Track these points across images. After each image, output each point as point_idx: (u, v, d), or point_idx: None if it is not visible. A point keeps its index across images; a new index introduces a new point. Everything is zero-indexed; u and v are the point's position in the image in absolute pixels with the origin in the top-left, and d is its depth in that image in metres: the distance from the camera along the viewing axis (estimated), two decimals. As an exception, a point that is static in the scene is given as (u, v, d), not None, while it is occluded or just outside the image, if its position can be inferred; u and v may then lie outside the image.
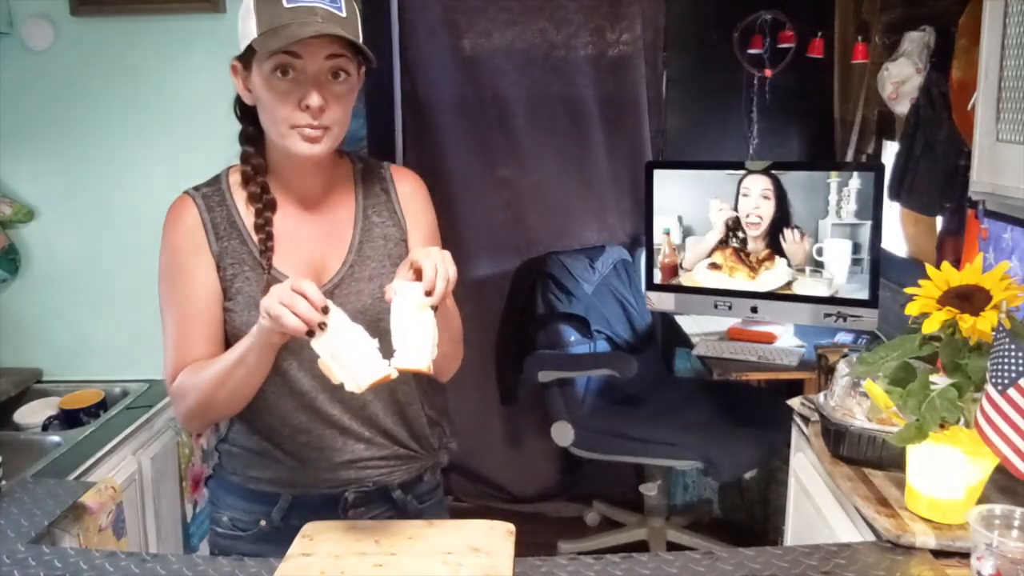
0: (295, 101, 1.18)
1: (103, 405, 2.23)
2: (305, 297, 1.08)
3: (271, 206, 1.28)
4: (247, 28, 1.20)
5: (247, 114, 1.28)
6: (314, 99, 1.17)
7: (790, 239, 2.65)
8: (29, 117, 2.28)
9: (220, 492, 1.38)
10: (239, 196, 1.29)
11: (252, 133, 1.28)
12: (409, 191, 1.37)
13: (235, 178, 1.31)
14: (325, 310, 1.09)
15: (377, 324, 1.22)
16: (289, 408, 1.29)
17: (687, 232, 2.83)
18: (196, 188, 1.31)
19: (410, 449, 1.37)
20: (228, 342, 1.27)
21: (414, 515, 1.36)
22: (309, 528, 1.22)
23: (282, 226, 1.29)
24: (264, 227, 1.26)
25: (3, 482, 1.55)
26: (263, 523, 1.33)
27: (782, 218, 2.66)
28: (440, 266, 1.13)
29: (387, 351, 1.11)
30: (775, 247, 2.69)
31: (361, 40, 1.20)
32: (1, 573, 1.14)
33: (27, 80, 2.26)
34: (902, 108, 2.27)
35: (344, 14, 1.18)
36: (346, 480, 1.32)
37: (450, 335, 1.25)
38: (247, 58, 1.22)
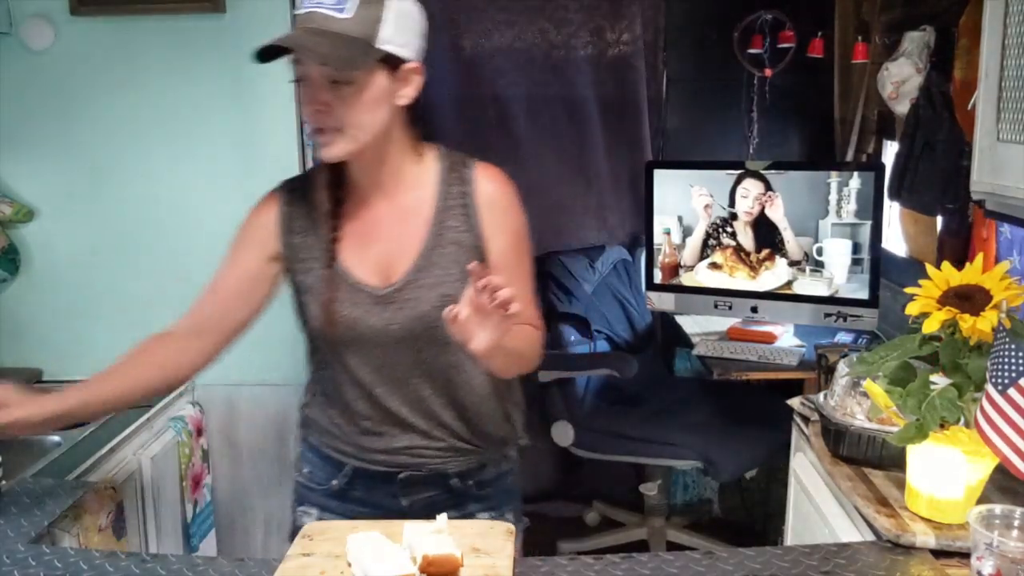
0: (306, 106, 1.24)
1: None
2: None
3: (340, 201, 1.33)
4: None
5: None
6: (311, 104, 1.22)
7: (790, 239, 2.66)
8: (29, 117, 2.28)
9: (303, 447, 1.49)
10: (324, 189, 1.34)
11: None
12: (491, 195, 1.34)
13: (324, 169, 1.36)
14: None
15: (432, 331, 1.28)
16: (353, 395, 1.36)
17: (687, 232, 2.83)
18: (291, 180, 1.39)
19: (469, 443, 1.40)
20: (309, 331, 1.38)
21: (473, 500, 1.42)
22: (309, 528, 1.22)
23: (360, 221, 1.33)
24: (332, 219, 1.31)
25: (3, 482, 1.55)
26: (334, 483, 1.42)
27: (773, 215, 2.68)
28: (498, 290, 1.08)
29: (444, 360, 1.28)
30: (772, 245, 2.69)
31: (382, 35, 1.20)
32: (1, 573, 1.14)
33: (27, 80, 2.26)
34: (902, 108, 2.27)
35: (345, 15, 1.18)
36: (401, 464, 1.38)
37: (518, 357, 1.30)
38: None
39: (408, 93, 1.27)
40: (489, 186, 1.35)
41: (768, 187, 2.66)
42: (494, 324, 1.10)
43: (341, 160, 1.27)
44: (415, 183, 1.34)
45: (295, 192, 1.36)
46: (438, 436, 1.37)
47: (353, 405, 1.37)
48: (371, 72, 1.22)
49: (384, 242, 1.32)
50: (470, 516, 1.42)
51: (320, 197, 1.34)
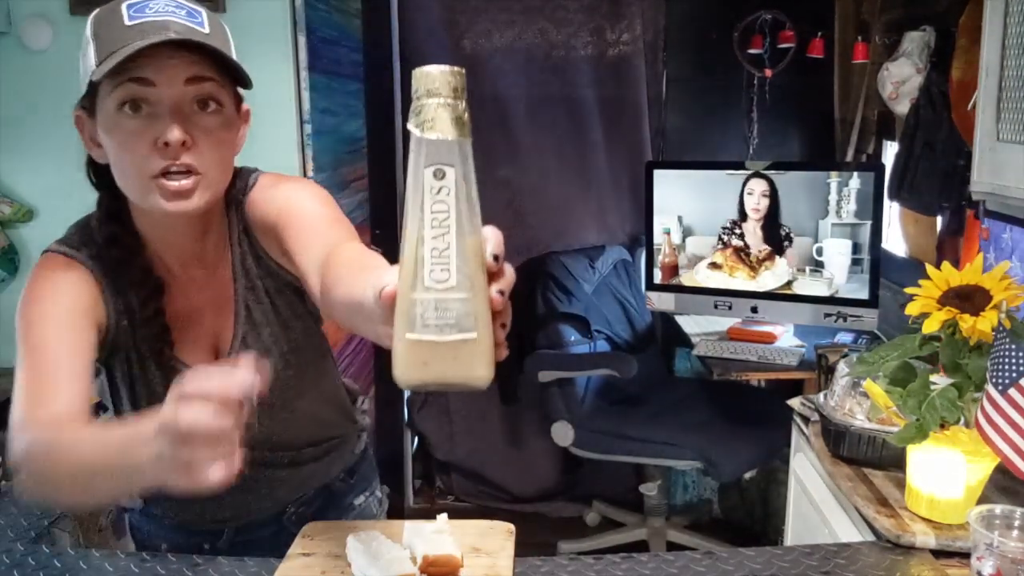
0: (150, 141, 0.94)
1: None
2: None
3: (160, 291, 1.07)
4: (87, 64, 0.99)
5: (104, 180, 1.07)
6: (174, 132, 0.93)
7: (794, 243, 2.66)
8: (28, 117, 2.28)
9: (153, 527, 1.28)
10: (136, 262, 1.07)
11: (113, 205, 1.07)
12: (259, 213, 1.07)
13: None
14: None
15: (284, 404, 1.16)
16: None
17: (687, 232, 2.83)
18: (69, 245, 1.09)
19: (333, 436, 1.30)
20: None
21: (348, 492, 1.34)
22: (309, 528, 1.22)
23: (177, 295, 1.09)
24: (156, 318, 1.06)
25: (3, 482, 1.55)
26: (207, 546, 1.26)
27: (777, 212, 2.68)
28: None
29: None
30: (775, 245, 2.69)
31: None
32: (1, 573, 1.14)
33: (26, 80, 2.26)
34: (902, 108, 2.27)
35: (207, 30, 0.97)
36: (288, 500, 1.29)
37: None
38: (91, 101, 1.00)
39: (244, 136, 1.07)
40: (256, 208, 1.08)
41: (772, 186, 2.66)
42: None
43: (195, 213, 0.99)
44: (213, 230, 1.09)
45: (98, 260, 1.05)
46: (311, 453, 1.27)
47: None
48: (237, 100, 1.03)
49: (203, 316, 1.10)
50: (349, 508, 1.34)
51: (132, 273, 1.05)
